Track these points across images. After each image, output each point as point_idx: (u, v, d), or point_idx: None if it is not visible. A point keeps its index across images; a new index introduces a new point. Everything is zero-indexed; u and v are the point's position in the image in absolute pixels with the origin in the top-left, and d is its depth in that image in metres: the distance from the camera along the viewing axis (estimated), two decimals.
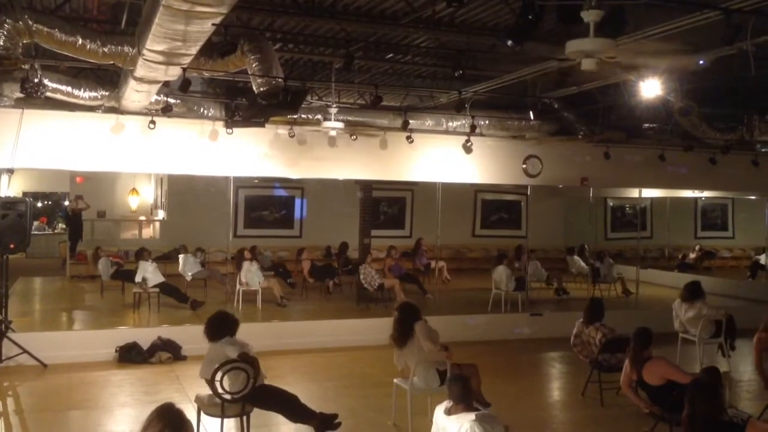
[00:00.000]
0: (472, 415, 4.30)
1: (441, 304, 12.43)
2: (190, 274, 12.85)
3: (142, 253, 11.88)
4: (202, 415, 5.85)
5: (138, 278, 11.53)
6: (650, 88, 8.20)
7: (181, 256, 13.06)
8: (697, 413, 4.54)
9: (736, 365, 9.12)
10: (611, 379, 7.72)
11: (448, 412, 4.47)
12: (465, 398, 4.45)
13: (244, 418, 5.79)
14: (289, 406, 5.95)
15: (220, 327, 5.99)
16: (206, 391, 5.88)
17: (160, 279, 11.58)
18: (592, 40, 4.85)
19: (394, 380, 6.71)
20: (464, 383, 4.55)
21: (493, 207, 18.67)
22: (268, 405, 5.96)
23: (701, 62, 7.65)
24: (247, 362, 5.67)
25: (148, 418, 3.52)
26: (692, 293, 8.99)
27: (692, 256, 17.90)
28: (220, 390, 5.59)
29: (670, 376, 5.98)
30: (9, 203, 8.66)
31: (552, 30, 7.06)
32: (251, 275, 12.00)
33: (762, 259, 16.89)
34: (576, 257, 15.21)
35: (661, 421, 6.06)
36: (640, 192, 15.12)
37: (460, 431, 4.27)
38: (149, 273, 11.50)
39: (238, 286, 11.89)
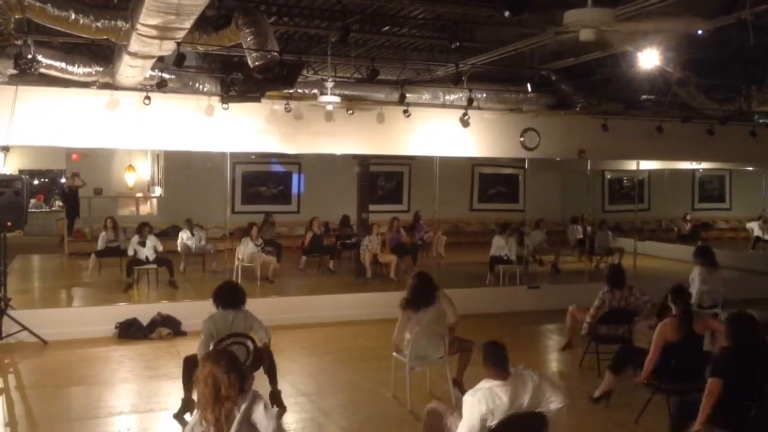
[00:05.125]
0: (534, 375, 4.26)
1: (439, 277, 12.46)
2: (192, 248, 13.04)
3: (142, 230, 11.85)
4: None
5: (131, 253, 11.59)
6: (648, 59, 8.14)
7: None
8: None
9: None
10: (608, 350, 7.78)
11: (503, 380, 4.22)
12: (497, 370, 4.26)
13: None
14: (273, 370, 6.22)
15: (231, 296, 6.08)
16: None
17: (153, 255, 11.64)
18: (591, 10, 4.81)
19: (394, 353, 6.76)
20: (498, 351, 4.31)
21: (491, 181, 18.66)
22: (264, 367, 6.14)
23: (699, 32, 7.59)
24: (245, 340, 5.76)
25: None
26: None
27: (687, 227, 17.92)
28: None
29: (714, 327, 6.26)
30: (5, 181, 8.66)
31: (549, 0, 6.99)
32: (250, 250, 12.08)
33: (755, 229, 16.99)
34: (578, 226, 15.24)
35: (658, 392, 6.12)
36: (637, 164, 15.13)
37: (531, 387, 4.21)
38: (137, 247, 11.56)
39: (236, 262, 11.94)
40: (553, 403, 4.28)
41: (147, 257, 11.50)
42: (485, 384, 4.26)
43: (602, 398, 6.34)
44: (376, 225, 12.85)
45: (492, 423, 4.15)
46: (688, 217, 17.50)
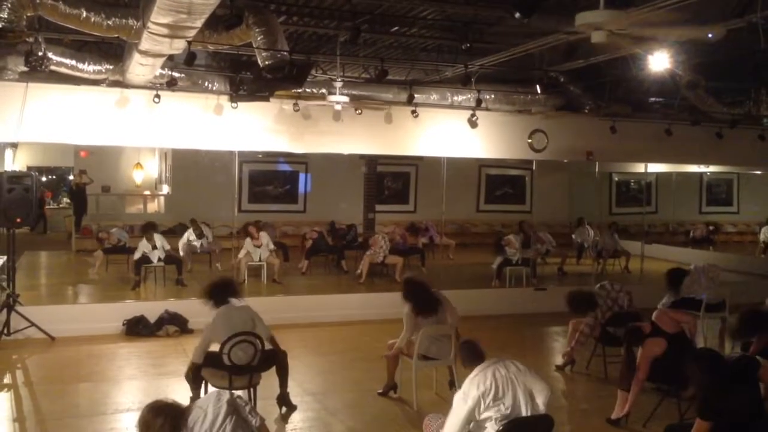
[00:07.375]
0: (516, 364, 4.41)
1: (445, 278, 12.46)
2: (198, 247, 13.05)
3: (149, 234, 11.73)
4: (210, 387, 5.91)
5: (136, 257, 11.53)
6: (658, 62, 8.12)
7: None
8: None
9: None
10: (616, 353, 7.77)
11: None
12: (474, 360, 4.46)
13: (251, 390, 5.84)
14: (284, 372, 6.22)
15: (224, 291, 6.08)
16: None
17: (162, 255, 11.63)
18: (602, 12, 4.80)
19: (399, 354, 6.75)
20: (470, 346, 4.56)
21: (498, 182, 18.65)
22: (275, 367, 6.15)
23: (710, 36, 7.56)
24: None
25: (143, 418, 3.47)
26: None
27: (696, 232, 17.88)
28: (227, 362, 5.65)
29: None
30: (15, 178, 8.66)
31: (561, 2, 6.99)
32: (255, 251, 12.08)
33: (761, 236, 16.99)
34: (587, 227, 15.21)
35: (667, 397, 6.10)
36: (645, 167, 15.08)
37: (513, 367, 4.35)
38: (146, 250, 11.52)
39: (241, 259, 11.95)
40: (539, 393, 4.30)
41: (159, 257, 11.53)
42: (472, 374, 4.36)
43: (623, 419, 6.26)
44: (381, 231, 12.77)
45: (488, 400, 4.19)
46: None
